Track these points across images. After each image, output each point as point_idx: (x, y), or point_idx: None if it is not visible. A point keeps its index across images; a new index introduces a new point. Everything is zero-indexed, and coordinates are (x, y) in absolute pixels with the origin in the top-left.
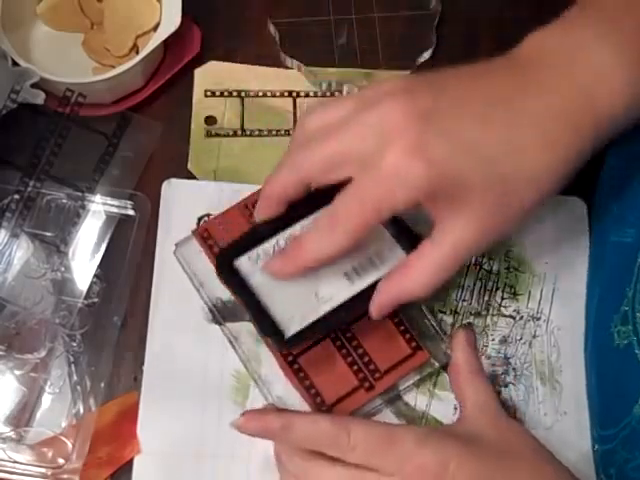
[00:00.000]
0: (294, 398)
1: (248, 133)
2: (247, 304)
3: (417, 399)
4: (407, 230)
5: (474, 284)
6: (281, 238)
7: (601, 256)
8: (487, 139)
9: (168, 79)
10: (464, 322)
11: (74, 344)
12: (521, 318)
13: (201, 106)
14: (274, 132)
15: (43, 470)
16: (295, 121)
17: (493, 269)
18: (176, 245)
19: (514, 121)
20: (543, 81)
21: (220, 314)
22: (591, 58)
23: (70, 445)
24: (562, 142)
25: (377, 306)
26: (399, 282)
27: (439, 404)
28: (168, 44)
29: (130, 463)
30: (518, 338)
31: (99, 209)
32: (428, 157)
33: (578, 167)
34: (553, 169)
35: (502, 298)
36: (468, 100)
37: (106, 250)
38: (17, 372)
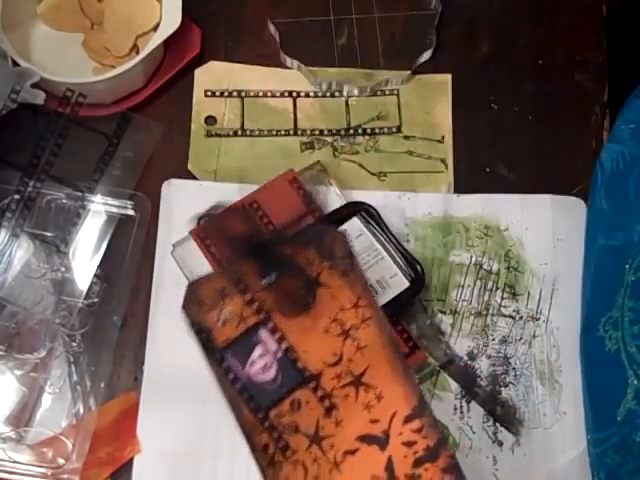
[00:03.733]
0: None
1: (248, 133)
2: None
3: None
4: (408, 257)
5: (474, 284)
6: None
7: (590, 258)
8: None
9: (168, 79)
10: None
11: (74, 344)
12: (521, 318)
13: (201, 106)
14: (274, 132)
15: (43, 470)
16: (295, 121)
17: (493, 269)
18: (173, 245)
19: None
20: None
21: None
22: None
23: (70, 445)
24: None
25: None
26: None
27: (439, 404)
28: (168, 44)
29: (130, 463)
30: (518, 338)
31: (99, 209)
32: None
33: None
34: None
35: (502, 298)
36: None
37: (106, 250)
38: (17, 372)
